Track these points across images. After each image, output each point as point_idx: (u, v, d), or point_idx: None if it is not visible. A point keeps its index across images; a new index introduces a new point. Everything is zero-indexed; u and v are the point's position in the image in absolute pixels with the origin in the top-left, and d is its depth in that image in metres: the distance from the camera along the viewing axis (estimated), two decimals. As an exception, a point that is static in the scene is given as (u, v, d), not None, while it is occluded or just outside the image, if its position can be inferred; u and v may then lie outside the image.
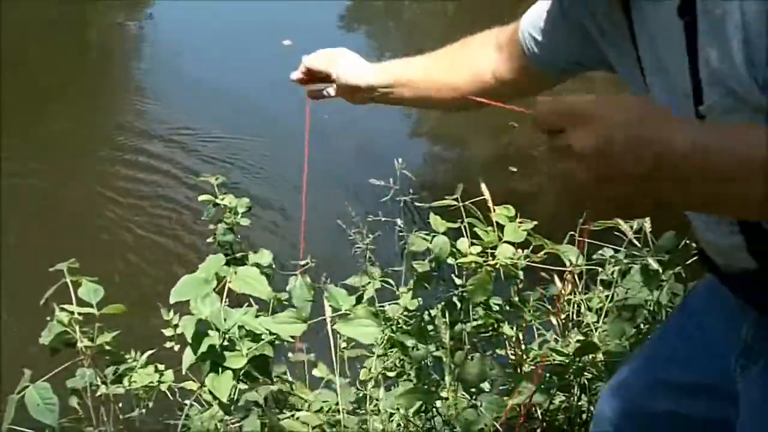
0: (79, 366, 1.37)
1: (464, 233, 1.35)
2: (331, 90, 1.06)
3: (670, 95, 0.70)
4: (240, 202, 1.41)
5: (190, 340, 1.03)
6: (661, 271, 1.45)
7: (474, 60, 1.02)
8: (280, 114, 3.61)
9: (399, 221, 1.20)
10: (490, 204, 1.35)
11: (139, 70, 4.62)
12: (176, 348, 1.48)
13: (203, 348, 1.02)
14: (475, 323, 1.41)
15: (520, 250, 1.37)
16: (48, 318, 1.37)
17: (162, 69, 4.41)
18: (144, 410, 1.38)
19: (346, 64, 1.05)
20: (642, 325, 1.52)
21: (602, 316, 1.55)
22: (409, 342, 1.11)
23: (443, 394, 1.09)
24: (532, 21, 0.93)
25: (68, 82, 4.24)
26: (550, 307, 1.57)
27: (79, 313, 1.35)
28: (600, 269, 1.54)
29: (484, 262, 1.35)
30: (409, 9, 5.71)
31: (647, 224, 1.52)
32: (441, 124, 3.66)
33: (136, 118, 3.88)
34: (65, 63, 4.51)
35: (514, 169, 3.22)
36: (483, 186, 1.35)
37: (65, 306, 1.36)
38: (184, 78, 4.18)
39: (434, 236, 1.34)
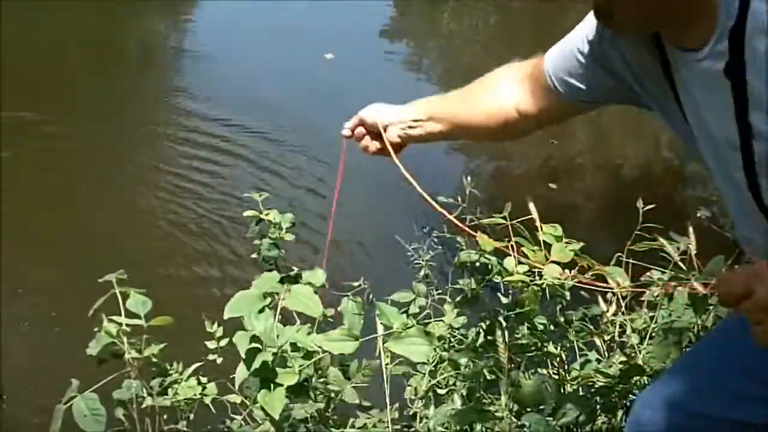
0: (126, 377, 1.38)
1: (511, 252, 1.34)
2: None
3: (710, 143, 0.73)
4: (284, 218, 1.42)
5: (243, 356, 1.04)
6: (709, 295, 1.43)
7: (497, 96, 1.09)
8: (322, 124, 3.64)
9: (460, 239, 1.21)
10: (538, 223, 1.35)
11: (178, 73, 4.66)
12: (219, 360, 1.49)
13: (256, 364, 1.02)
14: (518, 342, 1.41)
15: (566, 270, 1.36)
16: (96, 329, 1.39)
17: (201, 74, 4.45)
18: (185, 423, 1.38)
19: (386, 109, 1.19)
20: (687, 348, 1.50)
21: (646, 338, 1.53)
22: (463, 360, 1.11)
23: (497, 413, 1.08)
24: (560, 62, 0.97)
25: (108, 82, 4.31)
26: (592, 327, 1.56)
27: (127, 324, 1.36)
28: (645, 290, 1.52)
29: (531, 281, 1.34)
30: (451, 20, 5.73)
31: (692, 246, 1.51)
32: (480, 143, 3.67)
33: (177, 117, 3.93)
34: (104, 64, 4.59)
35: (554, 186, 3.22)
36: (531, 205, 1.35)
37: (113, 317, 1.37)
38: (224, 84, 4.21)
39: (480, 255, 1.34)
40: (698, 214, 3.15)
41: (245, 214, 1.53)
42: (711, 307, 1.44)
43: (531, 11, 5.44)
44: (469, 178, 1.23)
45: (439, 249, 1.29)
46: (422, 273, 1.24)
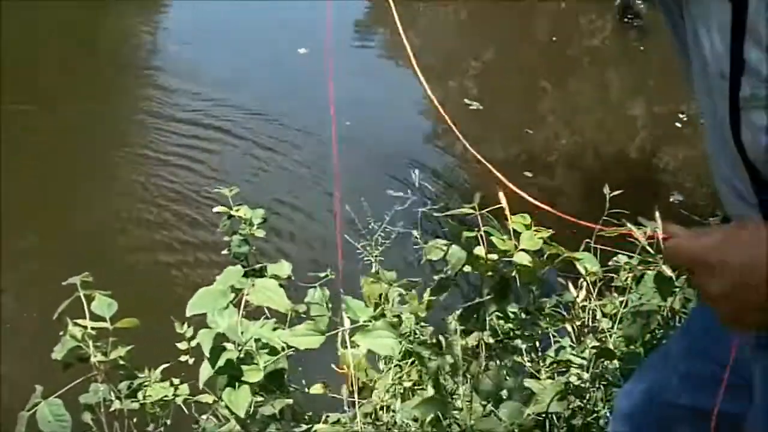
0: (93, 381, 1.36)
1: (481, 242, 1.34)
2: None
3: (704, 70, 0.69)
4: (255, 213, 1.40)
5: (207, 354, 1.02)
6: (674, 277, 1.44)
7: None
8: (298, 117, 3.62)
9: (415, 232, 1.19)
10: (507, 213, 1.35)
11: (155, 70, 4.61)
12: (191, 361, 1.46)
13: (221, 362, 1.01)
14: (491, 331, 1.41)
15: (536, 258, 1.36)
16: (61, 333, 1.36)
17: (180, 66, 4.40)
18: (160, 426, 1.36)
19: None
20: (656, 331, 1.52)
21: (617, 322, 1.55)
22: (425, 352, 1.10)
23: (458, 403, 1.07)
24: None
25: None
26: (565, 313, 1.57)
27: (93, 328, 1.33)
28: (614, 276, 1.53)
29: (501, 268, 1.34)
30: (424, 14, 5.72)
31: (660, 230, 1.52)
32: (457, 129, 3.67)
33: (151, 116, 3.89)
34: (80, 63, 4.52)
35: (530, 174, 3.23)
36: (500, 195, 1.34)
37: (78, 321, 1.34)
38: (202, 75, 4.18)
39: (450, 245, 1.34)
40: (671, 199, 3.19)
41: (215, 210, 1.50)
42: (677, 290, 1.45)
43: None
44: (417, 171, 1.20)
45: (388, 243, 1.27)
46: (374, 269, 1.23)
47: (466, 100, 3.91)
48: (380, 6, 6.01)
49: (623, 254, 1.51)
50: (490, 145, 3.56)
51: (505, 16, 5.10)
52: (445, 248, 1.27)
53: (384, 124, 3.62)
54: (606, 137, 3.84)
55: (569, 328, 1.57)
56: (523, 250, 1.37)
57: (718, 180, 0.77)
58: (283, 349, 1.04)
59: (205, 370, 1.04)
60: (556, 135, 3.77)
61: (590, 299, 1.57)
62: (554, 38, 4.74)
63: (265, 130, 3.66)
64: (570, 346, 1.59)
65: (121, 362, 1.36)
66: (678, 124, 3.81)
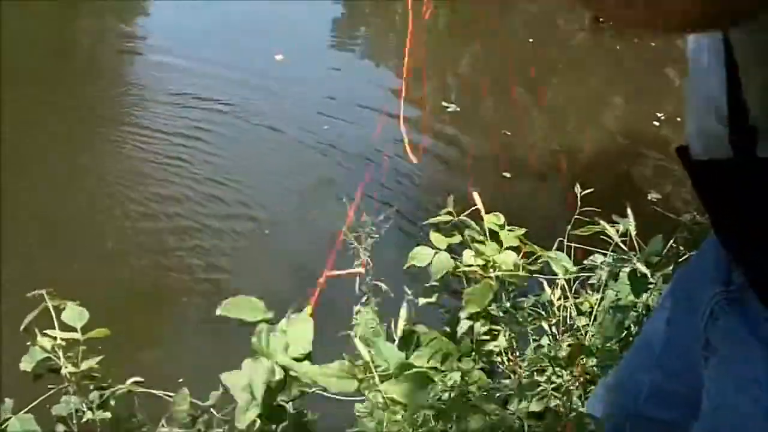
0: (64, 392, 1.33)
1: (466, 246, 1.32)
2: None
3: None
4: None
5: (238, 400, 0.95)
6: (648, 274, 1.46)
7: None
8: (275, 124, 3.59)
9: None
10: (483, 214, 1.35)
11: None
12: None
13: (252, 416, 0.92)
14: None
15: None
16: (29, 344, 1.33)
17: (155, 67, 4.32)
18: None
19: None
20: (632, 327, 1.53)
21: (593, 320, 1.56)
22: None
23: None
24: None
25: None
26: (543, 312, 1.57)
27: (63, 338, 1.31)
28: (590, 274, 1.54)
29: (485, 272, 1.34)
30: (402, 21, 5.69)
31: (632, 228, 1.54)
32: (435, 131, 3.67)
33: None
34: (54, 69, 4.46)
35: (508, 175, 3.24)
36: (476, 196, 1.35)
37: (47, 331, 1.31)
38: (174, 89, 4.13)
39: (435, 253, 1.32)
40: (649, 197, 3.23)
41: None
42: (652, 286, 1.47)
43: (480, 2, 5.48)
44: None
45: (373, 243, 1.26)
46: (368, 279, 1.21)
47: (444, 103, 3.92)
48: (356, 14, 6.01)
49: (597, 251, 1.52)
50: (468, 147, 3.57)
51: (482, 18, 5.14)
52: (430, 255, 1.25)
53: (359, 127, 3.61)
54: (583, 137, 3.88)
55: (546, 327, 1.58)
56: (508, 248, 1.36)
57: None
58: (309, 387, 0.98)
59: (247, 413, 0.95)
60: (533, 136, 3.79)
61: (567, 297, 1.58)
62: (531, 39, 4.78)
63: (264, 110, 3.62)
64: (548, 344, 1.59)
65: (93, 374, 1.33)
66: (656, 123, 3.86)
